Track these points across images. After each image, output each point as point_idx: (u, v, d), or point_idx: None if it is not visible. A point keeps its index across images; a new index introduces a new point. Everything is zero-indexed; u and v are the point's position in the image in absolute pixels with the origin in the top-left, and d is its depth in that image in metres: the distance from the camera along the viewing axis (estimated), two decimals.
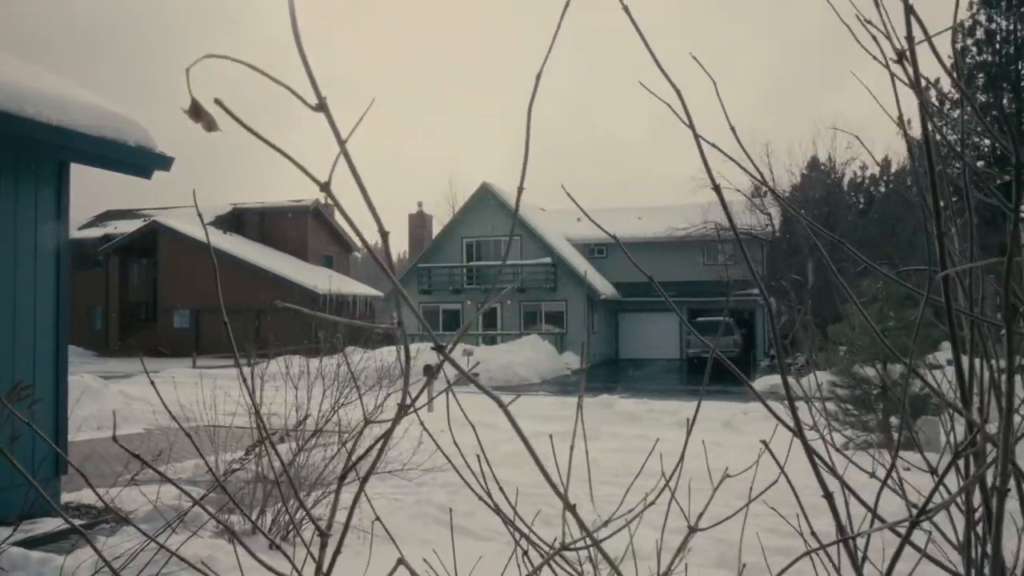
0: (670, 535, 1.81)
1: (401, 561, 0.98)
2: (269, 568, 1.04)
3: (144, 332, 40.48)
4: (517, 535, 1.19)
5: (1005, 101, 34.55)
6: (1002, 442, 0.86)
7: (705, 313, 32.61)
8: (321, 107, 0.69)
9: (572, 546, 1.11)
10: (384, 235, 0.79)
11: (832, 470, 1.14)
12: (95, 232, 42.68)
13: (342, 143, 0.70)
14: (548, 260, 33.11)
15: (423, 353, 15.99)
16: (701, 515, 1.27)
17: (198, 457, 7.14)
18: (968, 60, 35.34)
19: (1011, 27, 35.02)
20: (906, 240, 27.09)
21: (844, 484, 1.20)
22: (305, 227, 43.52)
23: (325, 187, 0.73)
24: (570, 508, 1.00)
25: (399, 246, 47.94)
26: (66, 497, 6.61)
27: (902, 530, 0.98)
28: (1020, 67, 34.64)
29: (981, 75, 35.28)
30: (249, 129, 0.67)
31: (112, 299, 41.33)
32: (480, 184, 34.76)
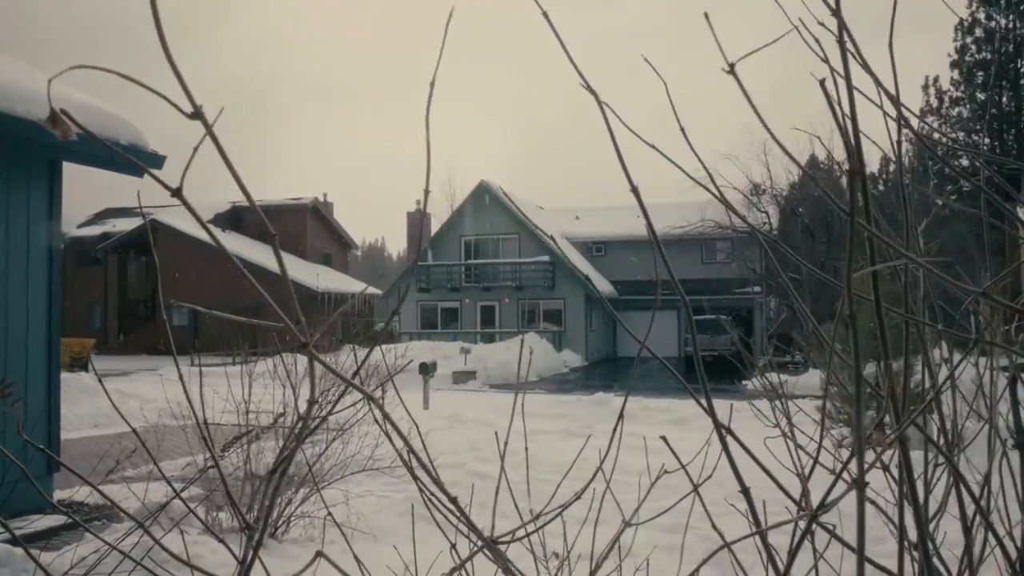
0: (659, 532, 1.83)
1: (320, 553, 1.00)
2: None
3: (143, 330, 40.54)
4: (461, 529, 1.22)
5: (1004, 99, 34.57)
6: (855, 432, 0.88)
7: (703, 311, 32.66)
8: (197, 115, 0.71)
9: (500, 539, 1.13)
10: (273, 236, 0.82)
11: (756, 460, 1.16)
12: (94, 230, 42.71)
13: (222, 152, 0.72)
14: (546, 258, 33.13)
15: (411, 351, 16.04)
16: (636, 510, 1.29)
17: (192, 455, 7.17)
18: (968, 58, 35.35)
19: (1010, 25, 35.02)
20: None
21: (769, 474, 1.23)
22: (304, 225, 43.56)
23: (177, 192, 0.76)
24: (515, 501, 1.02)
25: (398, 244, 47.89)
26: (59, 495, 6.64)
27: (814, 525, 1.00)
28: (1019, 65, 34.62)
29: (980, 73, 35.30)
30: (71, 119, 0.69)
31: (111, 297, 41.37)
32: (478, 182, 34.78)
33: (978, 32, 35.40)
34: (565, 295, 32.98)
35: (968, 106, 35.20)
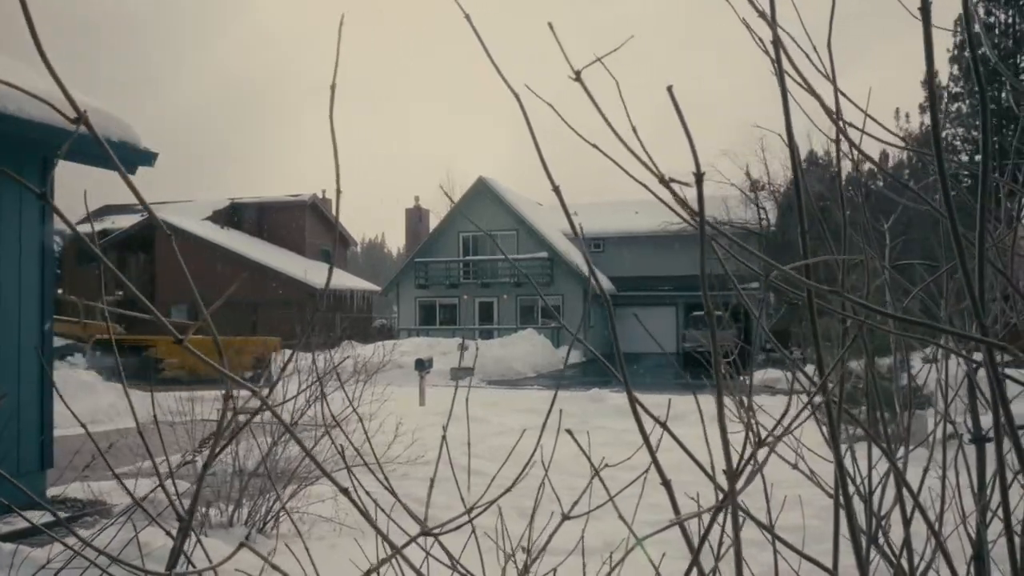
0: (647, 527, 1.85)
1: (243, 544, 1.02)
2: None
3: (142, 325, 40.53)
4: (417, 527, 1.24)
5: (1004, 94, 34.54)
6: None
7: (701, 308, 32.66)
8: (79, 120, 0.73)
9: (430, 530, 1.16)
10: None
11: (688, 452, 1.19)
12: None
13: (120, 165, 0.74)
14: (545, 255, 33.15)
15: (409, 347, 16.04)
16: (575, 503, 1.32)
17: (186, 451, 7.18)
18: (966, 54, 35.31)
19: (1010, 20, 34.95)
20: (899, 233, 27.12)
21: (699, 466, 1.25)
22: (302, 221, 43.56)
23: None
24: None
25: (398, 241, 47.93)
26: (52, 491, 6.67)
27: (725, 518, 1.03)
28: (1019, 60, 34.56)
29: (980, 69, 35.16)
30: None
31: (110, 294, 41.37)
32: (477, 179, 34.78)
33: (977, 27, 35.35)
34: (563, 291, 33.01)
35: (967, 101, 35.17)
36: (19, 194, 6.17)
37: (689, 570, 0.94)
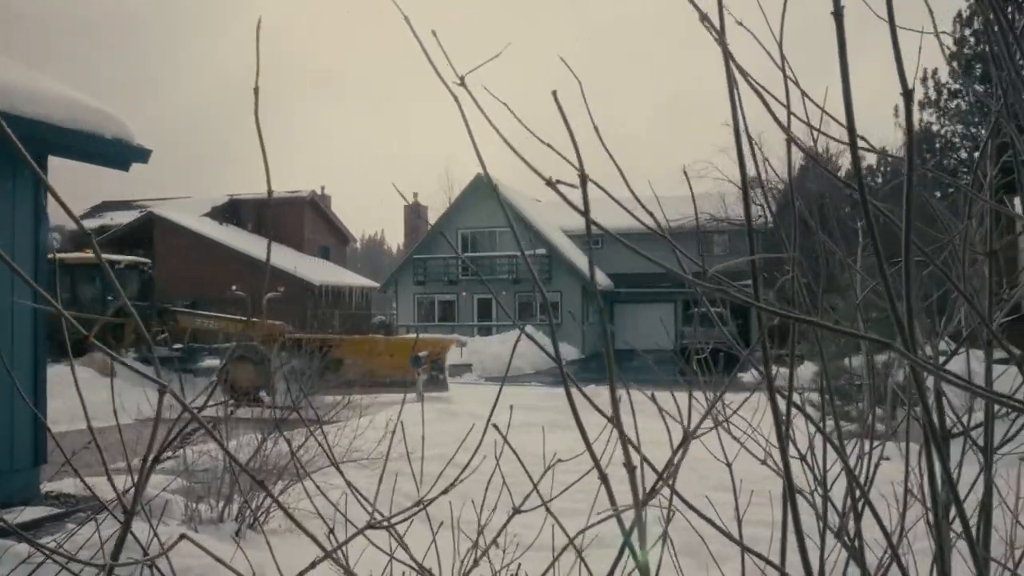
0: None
1: (183, 536, 1.04)
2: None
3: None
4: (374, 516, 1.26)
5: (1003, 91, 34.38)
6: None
7: (699, 304, 32.65)
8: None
9: (377, 524, 1.18)
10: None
11: (634, 445, 1.21)
12: (91, 223, 42.70)
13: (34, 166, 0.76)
14: (543, 251, 33.17)
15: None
16: (527, 498, 1.34)
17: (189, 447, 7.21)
18: (966, 50, 35.22)
19: (1009, 16, 34.85)
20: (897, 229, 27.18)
21: (644, 459, 1.27)
22: (302, 218, 43.55)
23: None
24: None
25: (397, 238, 47.91)
26: (47, 487, 6.70)
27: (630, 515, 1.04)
28: (1019, 57, 34.43)
29: (979, 65, 35.18)
30: None
31: (109, 291, 41.36)
32: (475, 175, 34.79)
33: (976, 24, 35.29)
34: (561, 288, 33.03)
35: (967, 98, 35.10)
36: (12, 193, 6.18)
37: (616, 562, 0.96)
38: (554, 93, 1.20)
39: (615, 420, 1.11)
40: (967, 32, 35.23)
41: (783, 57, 1.08)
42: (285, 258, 39.18)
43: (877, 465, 1.37)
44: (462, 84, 0.92)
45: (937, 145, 33.90)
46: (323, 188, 46.57)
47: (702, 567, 2.60)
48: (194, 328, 16.78)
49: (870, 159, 40.62)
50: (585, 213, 1.10)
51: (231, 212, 42.83)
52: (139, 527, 3.75)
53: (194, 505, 4.49)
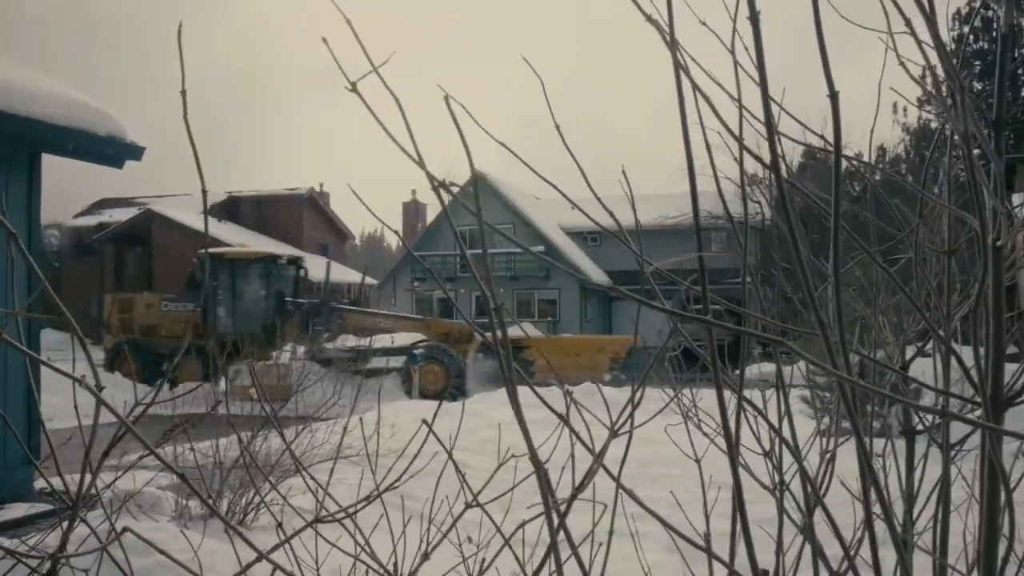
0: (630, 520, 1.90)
1: (127, 528, 1.06)
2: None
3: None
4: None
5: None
6: None
7: (697, 302, 32.64)
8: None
9: (324, 518, 1.19)
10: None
11: (581, 440, 1.23)
12: (90, 220, 42.69)
13: None
14: (541, 249, 33.17)
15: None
16: (479, 491, 1.36)
17: (178, 444, 7.23)
18: (965, 47, 35.15)
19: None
20: (895, 227, 27.26)
21: (593, 454, 1.29)
22: (301, 215, 43.55)
23: None
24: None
25: (394, 235, 47.86)
26: (41, 483, 6.71)
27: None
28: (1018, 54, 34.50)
29: (978, 63, 35.16)
30: None
31: (108, 287, 41.38)
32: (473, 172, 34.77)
33: (976, 21, 35.24)
34: (560, 285, 33.05)
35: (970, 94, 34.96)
36: (5, 185, 6.19)
37: (547, 556, 0.97)
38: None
39: (516, 417, 1.13)
40: (966, 29, 35.24)
41: (736, 64, 1.10)
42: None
43: (830, 463, 1.39)
44: (354, 89, 0.94)
45: (936, 142, 33.85)
46: (322, 185, 46.55)
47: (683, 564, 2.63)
48: (363, 327, 16.03)
49: (867, 156, 40.38)
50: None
51: (230, 209, 42.81)
52: (134, 524, 3.76)
53: (184, 501, 4.51)
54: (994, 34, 34.69)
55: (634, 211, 1.47)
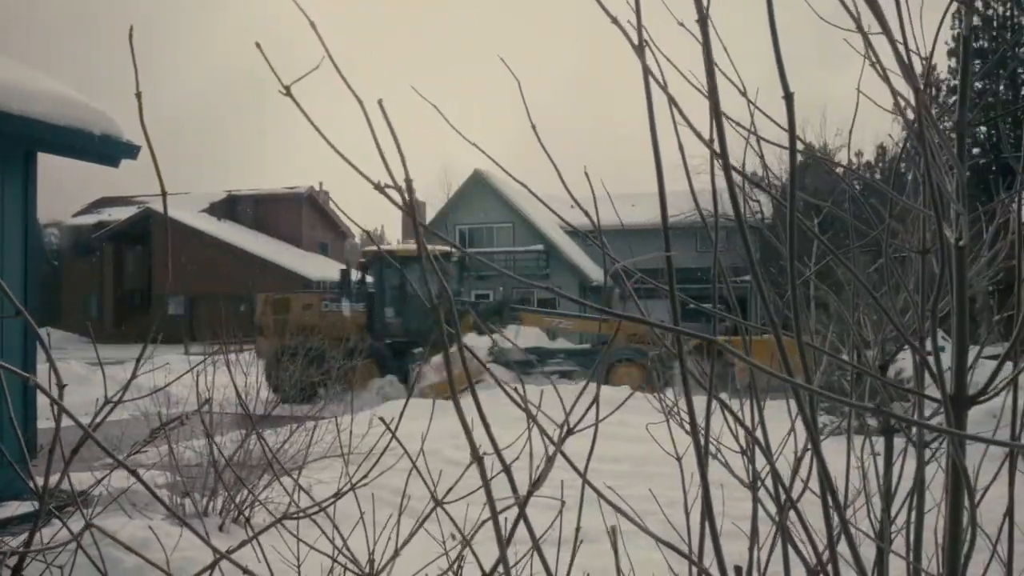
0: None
1: (88, 525, 1.07)
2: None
3: (139, 318, 40.61)
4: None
5: (1001, 87, 34.50)
6: None
7: (698, 300, 32.70)
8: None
9: (293, 514, 1.21)
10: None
11: (549, 437, 1.24)
12: (90, 219, 42.73)
13: None
14: (540, 247, 33.19)
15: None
16: (449, 490, 1.37)
17: (176, 443, 7.25)
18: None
19: (1008, 13, 34.82)
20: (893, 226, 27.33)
21: (563, 456, 1.30)
22: (299, 214, 43.58)
23: None
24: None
25: (397, 233, 47.95)
26: (37, 481, 6.72)
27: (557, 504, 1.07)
28: (1018, 53, 34.49)
29: (978, 61, 35.18)
30: None
31: (107, 286, 41.41)
32: (473, 171, 34.78)
33: (976, 20, 35.24)
34: (559, 283, 33.07)
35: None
36: (1, 184, 6.20)
37: (501, 557, 0.99)
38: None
39: (473, 418, 1.14)
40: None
41: (711, 60, 1.10)
42: (282, 254, 39.23)
43: (800, 460, 1.40)
44: (288, 93, 0.95)
45: (937, 140, 33.85)
46: (321, 184, 46.57)
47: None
48: (541, 327, 15.34)
49: (867, 156, 40.53)
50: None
51: (229, 207, 42.84)
52: (125, 521, 3.73)
53: (179, 499, 4.53)
54: (994, 32, 34.69)
55: (613, 211, 1.48)
